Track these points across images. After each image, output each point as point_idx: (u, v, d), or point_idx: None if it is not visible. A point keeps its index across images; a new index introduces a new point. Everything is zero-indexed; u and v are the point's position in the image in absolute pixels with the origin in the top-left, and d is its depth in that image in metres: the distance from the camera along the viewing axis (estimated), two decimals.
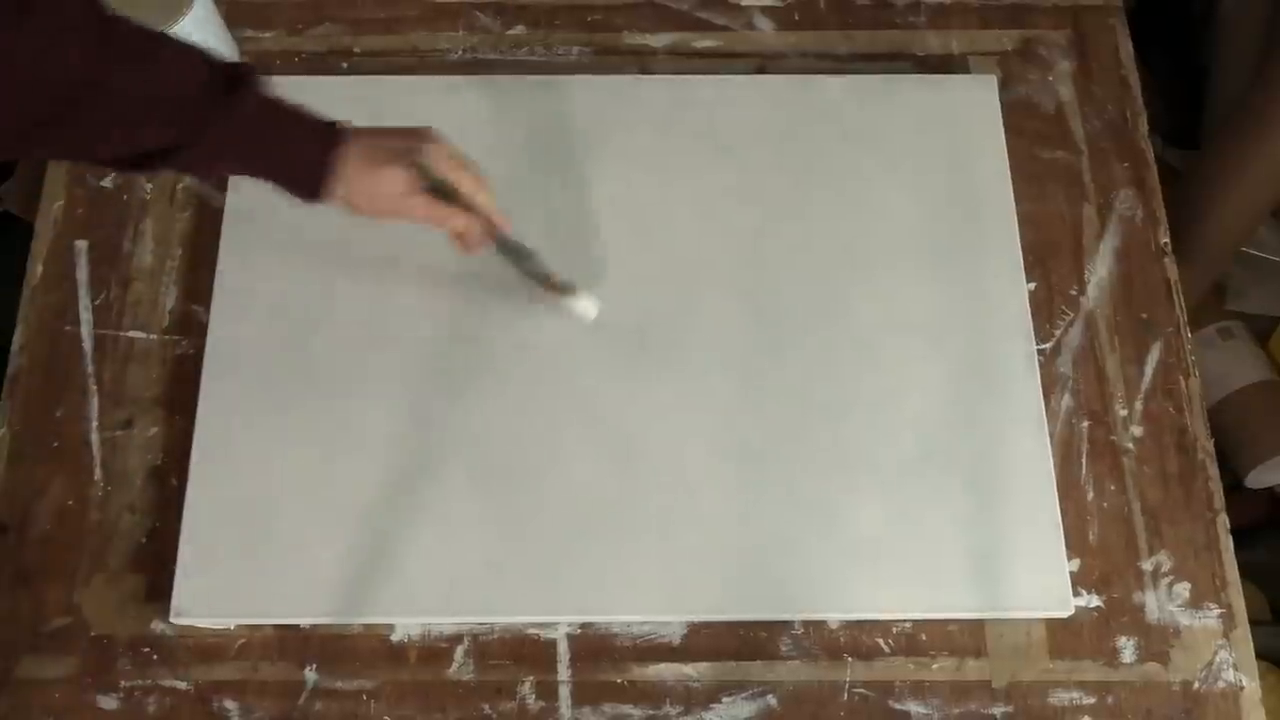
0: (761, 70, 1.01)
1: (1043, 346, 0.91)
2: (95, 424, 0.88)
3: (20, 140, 0.61)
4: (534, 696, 0.81)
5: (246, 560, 0.81)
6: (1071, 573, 0.83)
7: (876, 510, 0.83)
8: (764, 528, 0.82)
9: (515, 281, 0.86)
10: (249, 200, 0.92)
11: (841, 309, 0.89)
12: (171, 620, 0.80)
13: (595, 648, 0.82)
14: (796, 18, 1.04)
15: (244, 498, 0.83)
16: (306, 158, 0.72)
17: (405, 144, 0.75)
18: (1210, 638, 0.83)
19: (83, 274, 0.93)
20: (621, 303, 0.88)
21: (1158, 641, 0.82)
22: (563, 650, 0.82)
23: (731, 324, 0.88)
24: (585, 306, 0.85)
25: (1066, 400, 0.89)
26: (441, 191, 0.77)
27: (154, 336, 0.91)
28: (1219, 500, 0.87)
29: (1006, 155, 0.94)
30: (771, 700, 0.81)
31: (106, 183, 0.96)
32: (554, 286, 0.85)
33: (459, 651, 0.82)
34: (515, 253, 0.83)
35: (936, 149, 0.95)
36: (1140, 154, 0.98)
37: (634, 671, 0.81)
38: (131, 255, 0.94)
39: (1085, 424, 0.89)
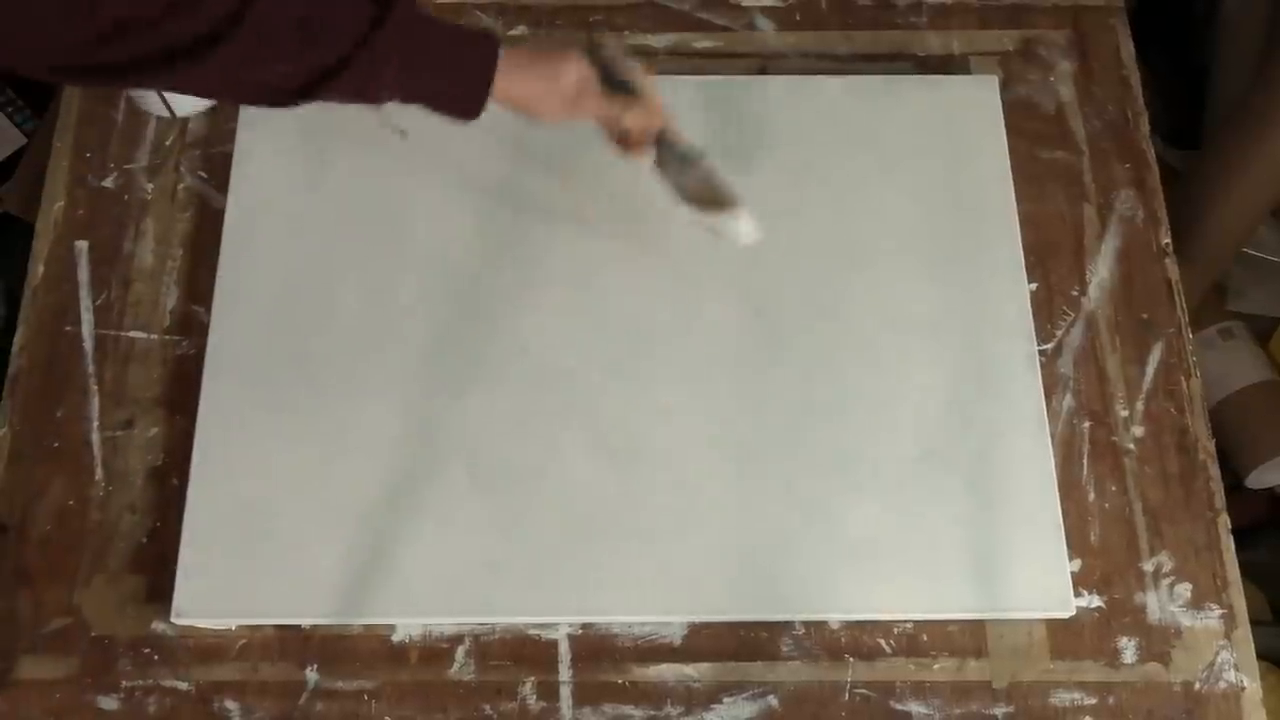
0: (762, 71, 1.01)
1: (1044, 347, 0.90)
2: (96, 424, 0.88)
3: (187, 60, 0.60)
4: (535, 697, 0.80)
5: (247, 560, 0.81)
6: (1072, 573, 0.82)
7: (877, 511, 0.83)
8: (765, 528, 0.82)
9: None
10: (250, 200, 0.92)
11: (842, 309, 0.89)
12: (172, 620, 0.80)
13: (596, 648, 0.82)
14: (797, 18, 1.04)
15: (244, 498, 0.82)
16: (471, 61, 0.70)
17: (571, 41, 0.73)
18: (1211, 638, 0.83)
19: (83, 274, 0.93)
20: (621, 302, 0.88)
21: (1159, 642, 0.82)
22: (563, 650, 0.82)
23: (731, 324, 0.88)
24: (744, 227, 0.81)
25: (1067, 400, 0.89)
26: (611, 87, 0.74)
27: (154, 337, 0.91)
28: (1220, 500, 0.87)
29: (1007, 155, 0.94)
30: (772, 700, 0.81)
31: (107, 183, 0.96)
32: (716, 198, 0.80)
33: (460, 652, 0.82)
34: (680, 156, 0.78)
35: (937, 149, 0.95)
36: (1141, 154, 0.98)
37: (635, 672, 0.81)
38: (132, 256, 0.93)
39: (1086, 424, 0.89)
